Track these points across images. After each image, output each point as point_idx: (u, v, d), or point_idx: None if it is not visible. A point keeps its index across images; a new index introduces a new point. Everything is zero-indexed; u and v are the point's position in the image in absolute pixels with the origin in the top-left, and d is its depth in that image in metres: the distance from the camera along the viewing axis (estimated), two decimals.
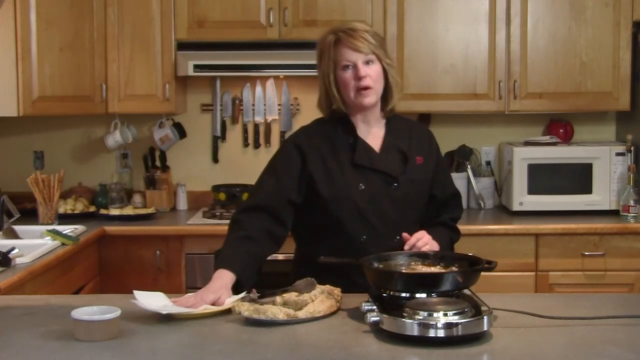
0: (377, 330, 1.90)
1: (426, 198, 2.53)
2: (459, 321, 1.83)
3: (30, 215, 3.93)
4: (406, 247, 2.35)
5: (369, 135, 2.50)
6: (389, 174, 2.44)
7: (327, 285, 2.18)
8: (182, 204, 4.42)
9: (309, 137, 2.49)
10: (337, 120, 2.49)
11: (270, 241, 2.38)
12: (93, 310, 1.93)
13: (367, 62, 2.40)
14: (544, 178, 4.06)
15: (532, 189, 4.06)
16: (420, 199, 2.51)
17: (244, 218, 2.39)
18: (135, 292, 2.14)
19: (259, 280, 2.30)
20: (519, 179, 4.06)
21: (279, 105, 4.44)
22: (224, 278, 2.20)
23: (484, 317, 1.86)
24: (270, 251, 2.40)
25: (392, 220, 2.43)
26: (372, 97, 2.43)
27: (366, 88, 2.40)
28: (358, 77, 2.39)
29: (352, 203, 2.41)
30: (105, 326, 1.89)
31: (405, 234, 2.38)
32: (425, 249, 2.33)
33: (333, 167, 2.43)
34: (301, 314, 2.01)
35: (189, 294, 2.18)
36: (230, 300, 2.13)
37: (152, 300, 2.12)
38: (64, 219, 3.98)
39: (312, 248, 2.47)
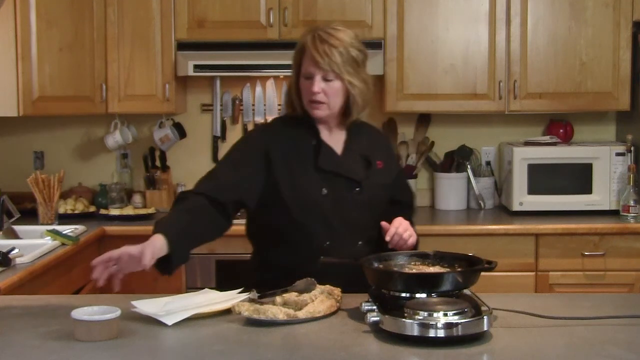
0: (377, 330, 1.90)
1: (386, 202, 2.49)
2: (459, 321, 1.83)
3: (30, 215, 3.93)
4: (387, 237, 2.31)
5: (331, 138, 2.44)
6: (352, 178, 2.40)
7: (327, 285, 2.17)
8: None
9: (274, 135, 2.43)
10: (300, 121, 2.44)
11: (213, 228, 2.33)
12: (93, 310, 1.93)
13: (326, 79, 2.34)
14: (544, 178, 4.06)
15: (532, 189, 4.06)
16: (381, 202, 2.47)
17: (192, 197, 2.32)
18: (133, 302, 2.13)
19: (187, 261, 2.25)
20: (519, 179, 4.06)
21: (279, 105, 4.44)
22: (155, 242, 2.13)
23: (484, 317, 1.86)
24: (210, 237, 2.36)
25: (355, 225, 2.40)
26: (322, 112, 2.37)
27: (317, 102, 2.35)
28: (311, 91, 2.34)
29: (315, 208, 2.36)
30: (105, 326, 1.89)
31: (384, 223, 2.34)
32: (406, 235, 2.32)
33: (296, 170, 2.37)
34: (301, 314, 2.01)
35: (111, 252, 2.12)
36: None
37: (151, 305, 2.11)
38: (64, 219, 3.98)
39: (272, 253, 2.43)
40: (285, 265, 2.36)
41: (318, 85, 2.33)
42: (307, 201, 2.36)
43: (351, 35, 2.39)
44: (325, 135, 2.44)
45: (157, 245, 2.12)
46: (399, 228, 2.32)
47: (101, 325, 1.89)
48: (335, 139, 2.45)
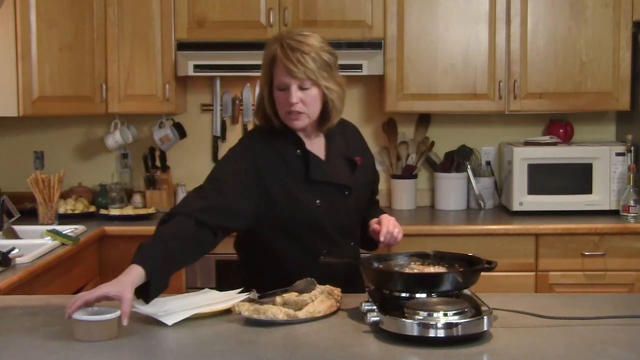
0: (377, 330, 1.90)
1: (368, 196, 2.52)
2: (459, 321, 1.83)
3: (30, 215, 3.93)
4: (381, 237, 2.31)
5: (313, 147, 2.38)
6: (341, 184, 2.38)
7: (327, 286, 2.18)
8: None
9: (261, 152, 2.34)
10: (281, 132, 2.36)
11: (196, 252, 2.22)
12: (93, 310, 1.93)
13: (302, 87, 2.26)
14: (544, 178, 4.06)
15: (532, 189, 4.06)
16: (365, 200, 2.49)
17: (178, 219, 2.19)
18: (133, 302, 2.13)
19: (167, 285, 2.12)
20: (519, 179, 4.06)
21: None
22: (131, 274, 2.01)
23: (484, 317, 1.86)
24: (192, 260, 2.25)
25: (347, 228, 2.40)
26: (302, 122, 2.31)
27: (296, 112, 2.28)
28: (289, 103, 2.26)
29: (311, 219, 2.33)
30: (105, 326, 1.89)
31: (374, 225, 2.34)
32: (396, 232, 2.33)
33: (289, 185, 2.31)
34: (301, 314, 2.01)
35: (84, 292, 2.00)
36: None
37: (151, 305, 2.10)
38: (64, 219, 3.98)
39: (264, 268, 2.39)
40: (284, 275, 2.29)
41: (295, 95, 2.25)
42: (303, 214, 2.33)
43: (319, 39, 2.30)
44: (307, 143, 2.38)
45: (136, 279, 2.01)
46: (390, 227, 2.32)
47: (101, 325, 1.89)
48: (316, 146, 2.40)
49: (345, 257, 2.34)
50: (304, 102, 2.28)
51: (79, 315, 1.90)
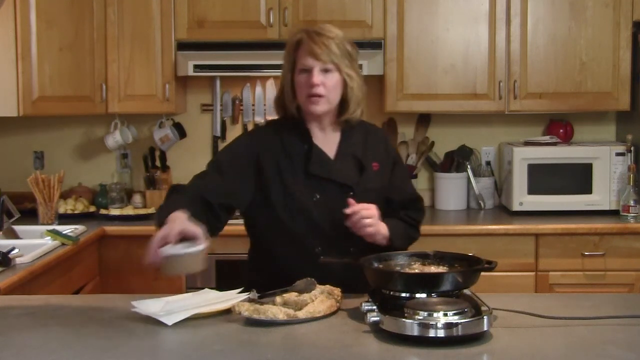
0: (377, 330, 1.90)
1: (382, 204, 2.39)
2: (459, 321, 1.83)
3: (30, 215, 3.94)
4: (348, 210, 2.26)
5: (325, 142, 2.41)
6: (344, 183, 2.37)
7: (327, 286, 2.17)
8: None
9: (265, 142, 2.41)
10: (292, 125, 2.42)
11: (208, 220, 2.22)
12: (178, 247, 2.01)
13: (325, 70, 2.33)
14: (544, 178, 4.06)
15: (532, 189, 4.06)
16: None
17: (186, 190, 2.30)
18: (133, 302, 2.14)
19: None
20: (519, 179, 4.06)
21: None
22: (179, 215, 2.10)
23: (484, 317, 1.86)
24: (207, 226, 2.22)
25: (347, 230, 2.33)
26: (322, 106, 2.35)
27: (316, 96, 2.33)
28: (310, 84, 2.32)
29: (306, 214, 2.34)
30: (194, 258, 2.01)
31: (350, 200, 2.28)
32: (368, 220, 2.25)
33: (287, 176, 2.35)
34: (301, 314, 2.01)
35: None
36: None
37: (151, 305, 2.11)
38: (64, 219, 3.99)
39: (266, 254, 2.42)
40: (277, 269, 2.36)
41: (317, 77, 2.31)
42: (298, 207, 2.34)
43: (342, 33, 2.40)
44: (319, 137, 2.42)
45: (185, 216, 2.10)
46: (363, 211, 2.26)
47: (192, 257, 2.00)
48: (328, 141, 2.42)
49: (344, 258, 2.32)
50: (325, 85, 2.33)
51: (167, 251, 2.00)
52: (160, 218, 2.15)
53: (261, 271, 2.44)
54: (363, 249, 2.31)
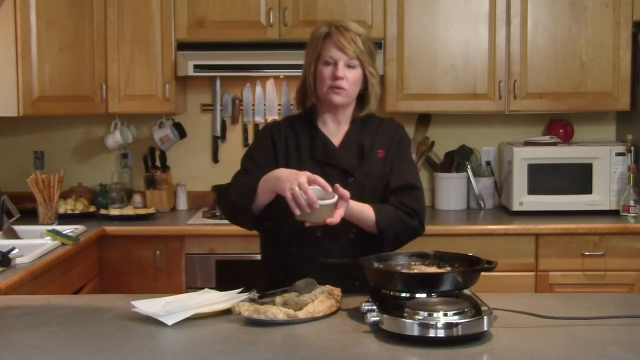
0: (377, 330, 1.90)
1: (382, 190, 2.45)
2: (459, 321, 1.83)
3: (30, 215, 3.93)
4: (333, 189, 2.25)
5: (334, 133, 2.50)
6: (344, 168, 2.44)
7: (327, 285, 2.18)
8: (182, 204, 4.42)
9: (279, 130, 2.52)
10: (305, 117, 2.53)
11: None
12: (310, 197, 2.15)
13: (349, 65, 2.41)
14: (544, 178, 4.06)
15: (532, 189, 4.06)
16: (376, 192, 2.45)
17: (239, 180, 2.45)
18: (133, 302, 2.14)
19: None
20: (519, 179, 4.06)
21: (279, 105, 4.44)
22: (268, 176, 2.29)
23: (484, 317, 1.86)
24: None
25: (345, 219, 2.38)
26: (342, 98, 2.43)
27: (339, 88, 2.41)
28: (335, 77, 2.40)
29: None
30: (329, 209, 2.17)
31: (336, 185, 2.27)
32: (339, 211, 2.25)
33: (294, 162, 2.44)
34: (301, 314, 2.01)
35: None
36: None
37: (151, 305, 2.11)
38: (64, 219, 3.99)
39: (273, 243, 2.50)
40: (284, 256, 2.43)
41: (342, 70, 2.39)
42: None
43: (365, 32, 2.48)
44: (330, 128, 2.50)
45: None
46: (347, 195, 2.24)
47: (327, 208, 2.16)
48: (337, 132, 2.51)
49: (343, 244, 2.37)
50: (347, 79, 2.40)
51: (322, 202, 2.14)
52: (248, 190, 2.33)
53: (272, 262, 2.50)
54: (363, 233, 2.38)
